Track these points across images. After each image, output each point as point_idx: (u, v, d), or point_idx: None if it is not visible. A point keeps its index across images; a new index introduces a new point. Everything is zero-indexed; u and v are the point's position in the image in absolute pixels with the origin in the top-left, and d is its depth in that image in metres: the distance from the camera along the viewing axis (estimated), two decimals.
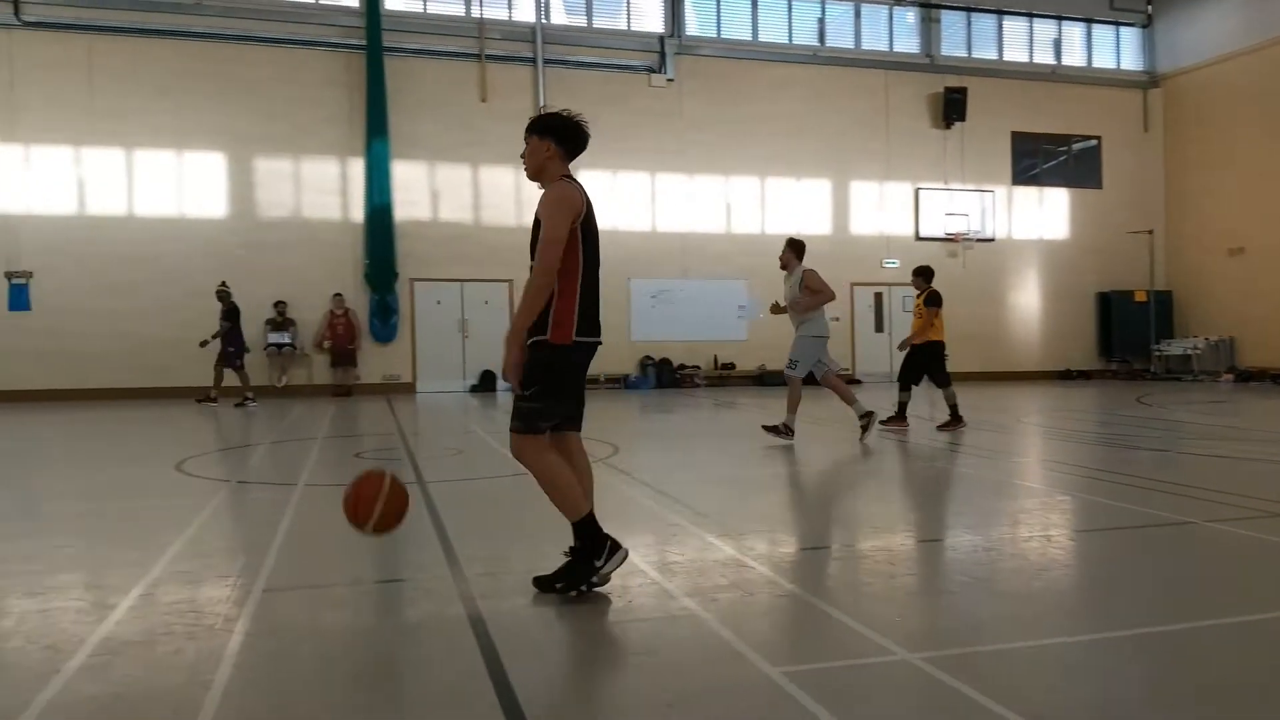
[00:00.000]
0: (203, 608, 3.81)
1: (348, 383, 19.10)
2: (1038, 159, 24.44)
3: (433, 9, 20.48)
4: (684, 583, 4.10)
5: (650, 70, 21.38)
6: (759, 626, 3.62)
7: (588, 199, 3.96)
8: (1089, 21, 24.79)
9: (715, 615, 3.62)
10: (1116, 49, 25.14)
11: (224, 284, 16.18)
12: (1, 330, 17.68)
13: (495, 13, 20.72)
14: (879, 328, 22.80)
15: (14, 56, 17.99)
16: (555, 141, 3.97)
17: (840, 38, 23.03)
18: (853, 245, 22.61)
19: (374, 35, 19.46)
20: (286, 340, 18.93)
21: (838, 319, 22.18)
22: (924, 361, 10.85)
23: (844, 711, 2.67)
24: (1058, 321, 24.27)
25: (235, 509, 6.41)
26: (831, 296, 9.65)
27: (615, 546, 3.89)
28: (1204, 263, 23.74)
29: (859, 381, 21.64)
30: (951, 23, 23.76)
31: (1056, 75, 24.33)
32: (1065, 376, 23.74)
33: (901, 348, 11.59)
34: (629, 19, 21.66)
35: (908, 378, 10.96)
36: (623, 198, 21.00)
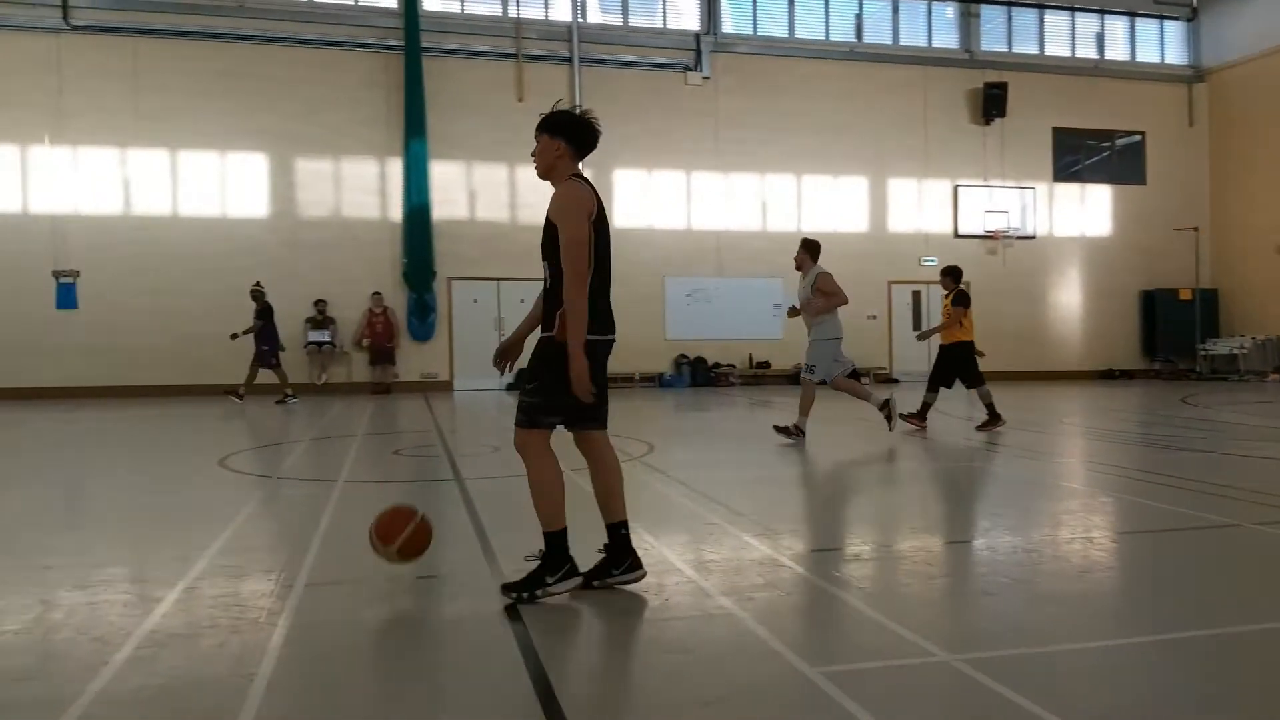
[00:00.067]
0: (246, 601, 3.87)
1: (386, 380, 19.29)
2: (1080, 155, 24.07)
3: (470, 9, 20.62)
4: (720, 581, 4.09)
5: (686, 68, 21.35)
6: (796, 626, 3.61)
7: (598, 197, 3.96)
8: (1132, 15, 24.38)
9: (752, 614, 3.61)
10: (1160, 43, 24.70)
11: (258, 283, 16.42)
12: (49, 328, 18.06)
13: (532, 12, 20.81)
14: (917, 326, 22.58)
15: (63, 61, 18.37)
16: (566, 140, 3.95)
17: (878, 34, 22.84)
18: (890, 243, 22.44)
19: (412, 36, 19.63)
20: (326, 338, 19.16)
21: (874, 317, 22.09)
22: (953, 363, 10.70)
23: (884, 713, 2.65)
24: (1100, 320, 23.90)
25: (277, 504, 6.50)
26: (844, 300, 9.54)
27: (574, 569, 3.87)
28: (1250, 260, 23.25)
29: (897, 381, 21.48)
30: (991, 17, 23.48)
31: (1099, 70, 23.95)
32: (1108, 376, 23.38)
33: (920, 338, 11.51)
34: (665, 17, 21.65)
35: (937, 380, 10.81)
36: (658, 196, 21.00)
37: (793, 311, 9.81)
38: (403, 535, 3.97)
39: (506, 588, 3.87)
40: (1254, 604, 3.81)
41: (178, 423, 13.00)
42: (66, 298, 18.02)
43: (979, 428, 10.32)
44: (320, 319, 19.20)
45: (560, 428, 3.96)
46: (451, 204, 20.05)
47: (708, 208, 21.44)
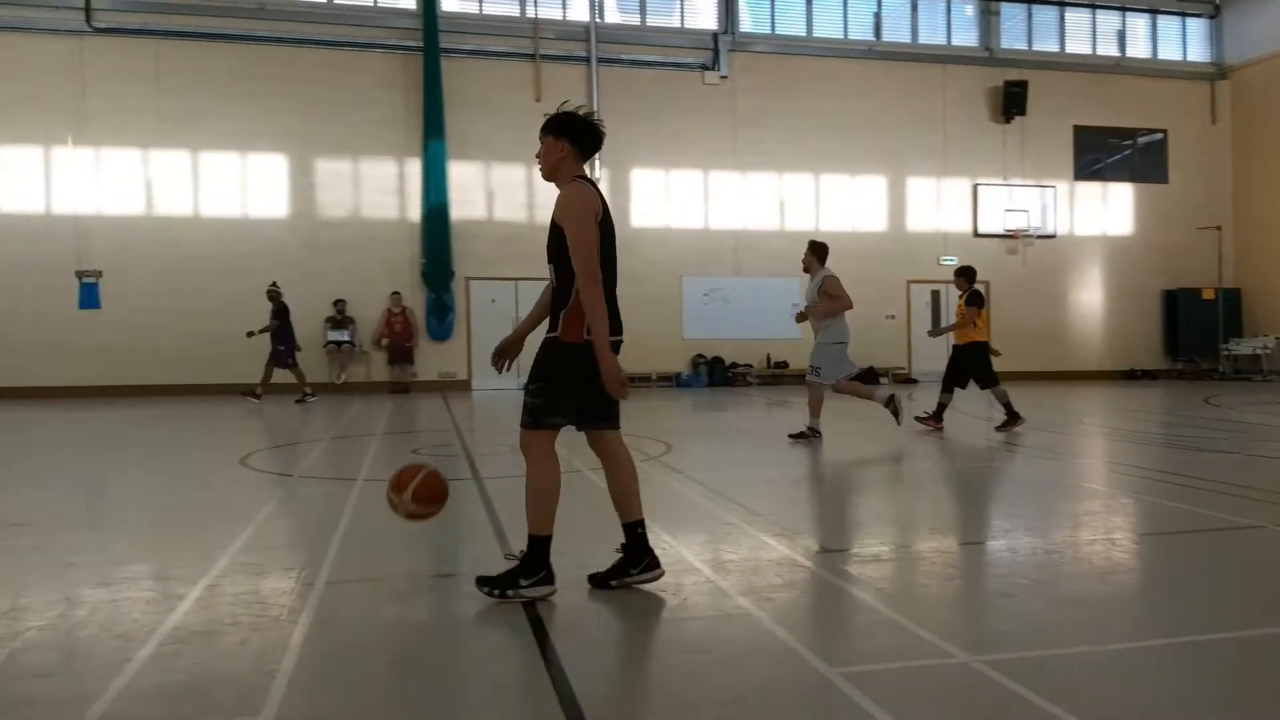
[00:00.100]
0: (267, 599, 3.90)
1: (405, 380, 19.37)
2: (1101, 153, 23.88)
3: (488, 10, 20.67)
4: (738, 581, 4.09)
5: (704, 67, 21.33)
6: (814, 626, 3.61)
7: (602, 199, 3.95)
8: (1154, 12, 24.17)
9: (770, 614, 3.61)
10: (1183, 40, 24.47)
11: (274, 284, 16.52)
12: (73, 328, 18.24)
13: (549, 12, 20.85)
14: (935, 326, 22.47)
15: (85, 63, 18.56)
16: (569, 141, 3.94)
17: (897, 32, 22.74)
18: (909, 242, 22.34)
19: (430, 37, 19.70)
20: (345, 338, 19.27)
21: (893, 316, 22.00)
22: (967, 363, 10.64)
23: (903, 714, 2.64)
24: (1122, 320, 23.71)
25: (297, 503, 6.54)
26: (848, 305, 9.50)
27: (550, 577, 3.84)
28: (1274, 259, 23.00)
29: (915, 381, 21.38)
30: (1011, 15, 23.33)
31: (1121, 67, 23.75)
32: (1129, 376, 23.20)
33: (932, 334, 11.48)
34: (682, 17, 21.63)
35: (951, 380, 10.75)
36: (675, 196, 20.99)
37: (801, 316, 9.82)
38: (415, 480, 3.87)
39: (481, 580, 3.88)
40: (1277, 607, 3.77)
41: (198, 422, 13.10)
42: (89, 298, 18.19)
43: (998, 428, 10.26)
44: (339, 319, 19.32)
45: (571, 428, 3.96)
46: (469, 204, 20.12)
47: (725, 207, 21.41)
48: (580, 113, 3.99)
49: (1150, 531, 5.38)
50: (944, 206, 22.69)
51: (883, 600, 3.82)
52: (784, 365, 21.49)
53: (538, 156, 4.02)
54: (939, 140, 22.57)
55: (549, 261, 3.92)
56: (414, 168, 19.85)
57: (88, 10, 18.44)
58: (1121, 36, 24.06)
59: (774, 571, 4.28)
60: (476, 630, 3.58)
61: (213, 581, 4.16)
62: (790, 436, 9.54)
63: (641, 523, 4.01)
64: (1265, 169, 23.27)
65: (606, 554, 4.04)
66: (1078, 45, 23.76)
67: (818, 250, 9.74)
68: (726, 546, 4.81)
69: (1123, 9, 23.90)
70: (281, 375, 16.31)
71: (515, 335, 4.28)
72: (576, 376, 3.83)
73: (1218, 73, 24.27)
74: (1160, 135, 24.11)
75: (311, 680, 3.00)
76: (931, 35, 22.92)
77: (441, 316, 19.95)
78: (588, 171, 4.09)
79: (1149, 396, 17.03)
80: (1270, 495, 6.13)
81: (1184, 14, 24.29)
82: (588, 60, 20.59)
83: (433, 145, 19.62)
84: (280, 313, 16.23)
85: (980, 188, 22.79)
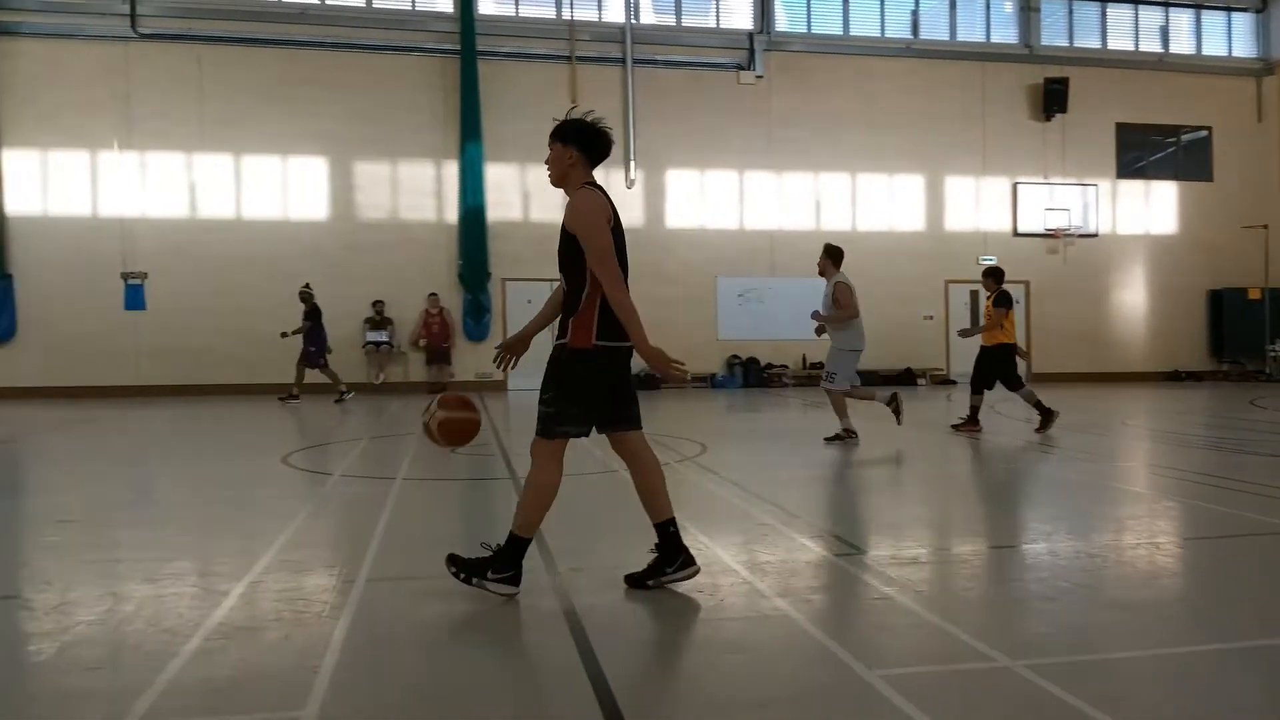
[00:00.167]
0: (310, 596, 3.95)
1: (442, 380, 19.52)
2: (1144, 151, 23.48)
3: (524, 12, 20.78)
4: (775, 583, 4.08)
5: (739, 67, 21.27)
6: (853, 629, 3.59)
7: (612, 205, 3.95)
8: (1198, 7, 23.72)
9: (807, 616, 3.60)
10: (1228, 35, 24.00)
11: (307, 285, 16.74)
12: (118, 329, 18.59)
13: (585, 14, 20.91)
14: (974, 326, 22.24)
15: (130, 69, 18.91)
16: (578, 149, 3.92)
17: (935, 30, 22.52)
18: (948, 242, 22.11)
19: (468, 40, 19.83)
20: (384, 338, 19.47)
21: (930, 317, 21.80)
22: (993, 365, 10.53)
23: (943, 718, 2.62)
24: (1166, 320, 23.29)
25: (338, 501, 6.62)
26: (853, 315, 9.47)
27: (516, 578, 3.88)
28: None
29: (953, 383, 21.16)
30: (1051, 11, 23.01)
31: (1164, 64, 23.34)
32: (1174, 378, 22.78)
33: (962, 335, 11.39)
34: (718, 17, 21.58)
35: (979, 382, 10.65)
36: (710, 196, 20.94)
37: (819, 330, 9.84)
38: (461, 412, 4.55)
39: (451, 559, 3.96)
40: None
41: (241, 422, 13.29)
42: (135, 299, 18.51)
43: (1037, 429, 10.14)
44: (378, 319, 19.52)
45: (595, 432, 4.00)
46: (506, 205, 20.23)
47: (760, 207, 21.33)
48: (589, 119, 3.99)
49: (1195, 536, 5.29)
50: (983, 206, 22.43)
51: (922, 603, 3.79)
52: (819, 366, 21.31)
53: (547, 163, 4.02)
54: (978, 138, 22.33)
55: (560, 270, 3.94)
56: (451, 170, 20.00)
57: (133, 16, 18.78)
58: (1165, 32, 23.64)
59: (811, 573, 4.26)
60: (515, 629, 3.61)
61: (256, 578, 4.23)
62: (826, 440, 9.50)
63: (672, 521, 4.02)
64: None
65: (641, 554, 4.05)
66: (1120, 41, 23.37)
67: (832, 254, 9.68)
68: (763, 547, 4.80)
69: (1166, 4, 23.49)
70: (314, 375, 16.52)
71: (522, 333, 4.31)
72: (584, 382, 3.86)
73: (1264, 69, 23.77)
74: (1205, 133, 23.66)
75: (352, 676, 3.04)
76: (970, 33, 22.67)
77: (478, 317, 20.09)
78: (598, 177, 4.08)
79: (1193, 398, 16.73)
80: None
81: (1229, 8, 23.81)
82: (623, 61, 20.61)
83: (470, 147, 19.76)
84: (312, 314, 16.43)
85: (1020, 186, 22.50)
